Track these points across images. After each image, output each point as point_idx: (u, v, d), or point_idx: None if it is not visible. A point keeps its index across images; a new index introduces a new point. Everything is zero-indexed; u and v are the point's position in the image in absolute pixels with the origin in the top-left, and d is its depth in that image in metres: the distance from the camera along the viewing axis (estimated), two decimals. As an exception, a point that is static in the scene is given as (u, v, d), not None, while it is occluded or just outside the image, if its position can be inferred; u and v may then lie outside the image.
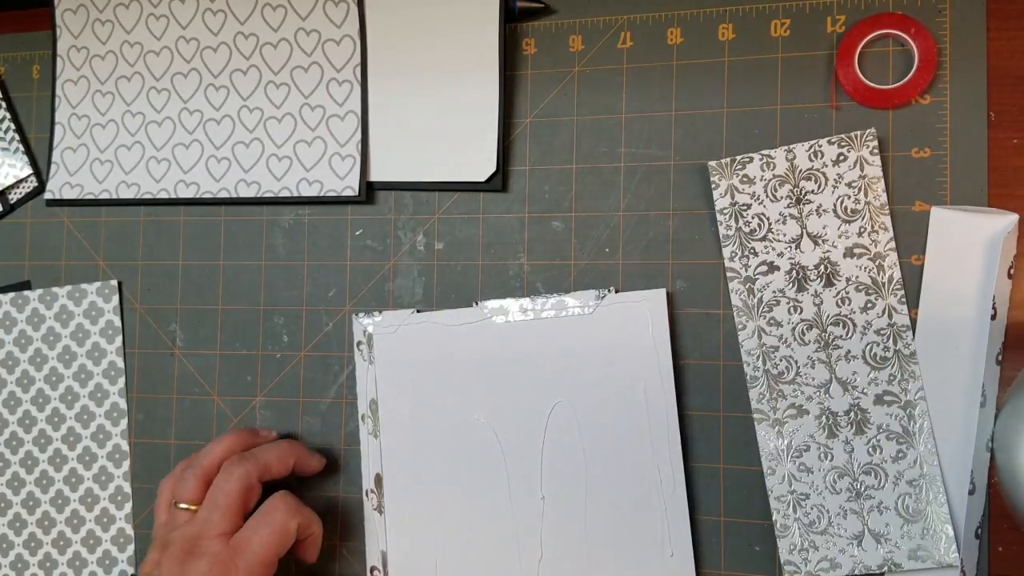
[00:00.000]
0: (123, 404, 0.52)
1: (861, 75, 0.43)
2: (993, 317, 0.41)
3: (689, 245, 0.45)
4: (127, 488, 0.52)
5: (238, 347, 0.51)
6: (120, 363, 0.52)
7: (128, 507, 0.52)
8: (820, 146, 0.43)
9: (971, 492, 0.41)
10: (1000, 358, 0.41)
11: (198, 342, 0.52)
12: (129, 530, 0.52)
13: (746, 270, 0.44)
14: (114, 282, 0.53)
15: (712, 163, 0.44)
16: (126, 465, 0.52)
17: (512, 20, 0.48)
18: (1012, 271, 0.41)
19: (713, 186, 0.44)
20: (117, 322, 0.53)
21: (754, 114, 0.45)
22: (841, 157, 0.43)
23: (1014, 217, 0.41)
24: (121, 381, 0.52)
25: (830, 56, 0.44)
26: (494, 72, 0.47)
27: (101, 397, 0.52)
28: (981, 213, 0.41)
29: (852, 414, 0.42)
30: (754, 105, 0.45)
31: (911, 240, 0.42)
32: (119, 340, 0.53)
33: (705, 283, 0.45)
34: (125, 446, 0.52)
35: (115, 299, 0.53)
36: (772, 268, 0.43)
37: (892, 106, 0.43)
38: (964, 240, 0.41)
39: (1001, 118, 0.42)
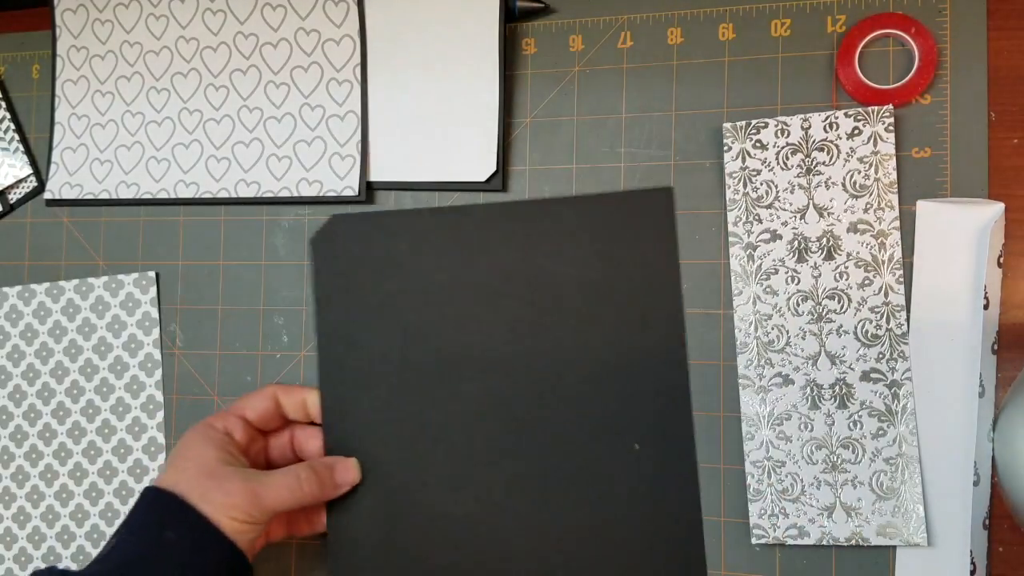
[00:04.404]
0: (160, 397, 0.52)
1: (861, 75, 0.43)
2: (986, 307, 0.41)
3: (689, 245, 0.45)
4: None
5: (238, 347, 0.51)
6: (157, 355, 0.52)
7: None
8: (836, 118, 0.43)
9: (976, 483, 0.41)
10: (995, 347, 0.41)
11: (198, 342, 0.52)
12: None
13: (748, 236, 0.44)
14: (151, 273, 0.52)
15: (727, 124, 0.44)
16: (161, 458, 0.52)
17: (512, 20, 0.48)
18: (1001, 259, 0.41)
19: (725, 148, 0.44)
20: (154, 314, 0.52)
21: (754, 114, 0.45)
22: (856, 131, 0.43)
23: (1000, 206, 0.41)
24: (158, 374, 0.52)
25: (830, 56, 0.44)
26: (494, 72, 0.47)
27: (137, 389, 0.52)
28: (967, 204, 0.42)
29: (837, 388, 0.42)
30: (754, 105, 0.45)
31: (911, 240, 0.42)
32: (156, 332, 0.52)
33: (705, 283, 0.45)
34: (161, 439, 0.52)
35: (152, 290, 0.52)
36: (775, 236, 0.43)
37: (892, 106, 0.43)
38: (952, 232, 0.42)
39: (1001, 118, 0.42)
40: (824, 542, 0.42)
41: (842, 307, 0.42)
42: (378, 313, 0.44)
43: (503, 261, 0.43)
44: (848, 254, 0.42)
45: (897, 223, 0.42)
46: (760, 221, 0.44)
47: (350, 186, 0.49)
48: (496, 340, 0.43)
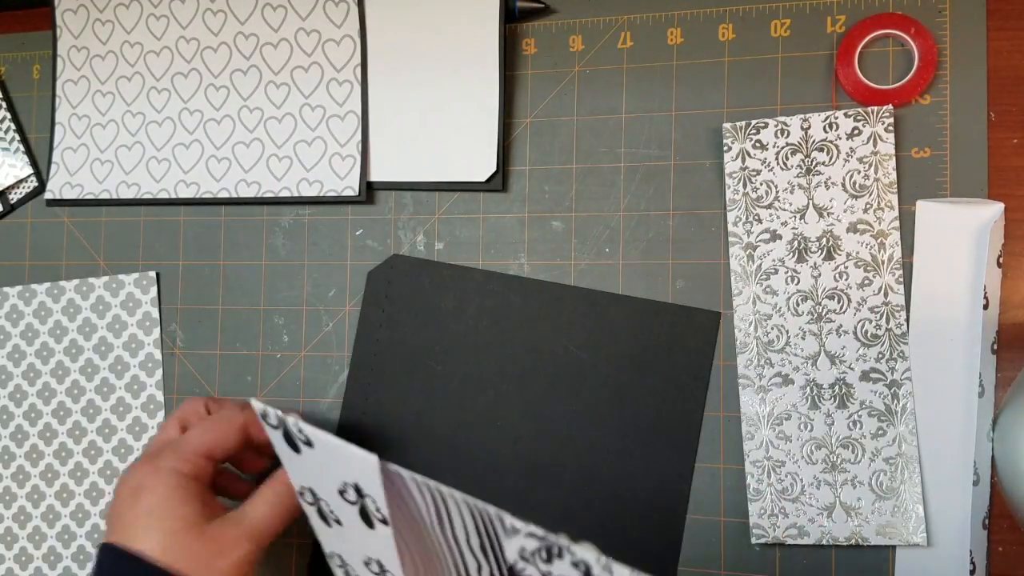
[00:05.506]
0: (160, 397, 0.52)
1: (861, 75, 0.43)
2: (985, 307, 0.41)
3: (689, 245, 0.45)
4: None
5: (238, 347, 0.51)
6: (158, 355, 0.52)
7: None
8: (836, 118, 0.43)
9: (975, 483, 0.41)
10: (995, 347, 0.41)
11: (198, 342, 0.52)
12: None
13: (748, 236, 0.44)
14: (152, 273, 0.53)
15: (727, 125, 0.44)
16: None
17: (512, 20, 0.48)
18: (1001, 259, 0.41)
19: (725, 148, 0.44)
20: (155, 314, 0.52)
21: (754, 114, 0.45)
22: (856, 131, 0.43)
23: (999, 206, 0.41)
24: (158, 374, 0.52)
25: (830, 56, 0.44)
26: (494, 72, 0.47)
27: (138, 389, 0.52)
28: (967, 204, 0.42)
29: (837, 388, 0.42)
30: (754, 105, 0.45)
31: (911, 241, 0.42)
32: (157, 332, 0.52)
33: (705, 283, 0.45)
34: None
35: (153, 290, 0.52)
36: (775, 236, 0.43)
37: (892, 106, 0.43)
38: (952, 232, 0.42)
39: (1001, 118, 0.42)
40: (824, 542, 0.42)
41: (842, 307, 0.42)
42: (409, 359, 0.45)
43: (538, 341, 0.44)
44: (848, 254, 0.42)
45: (897, 223, 0.42)
46: (760, 221, 0.44)
47: (350, 186, 0.49)
48: (507, 417, 0.44)
